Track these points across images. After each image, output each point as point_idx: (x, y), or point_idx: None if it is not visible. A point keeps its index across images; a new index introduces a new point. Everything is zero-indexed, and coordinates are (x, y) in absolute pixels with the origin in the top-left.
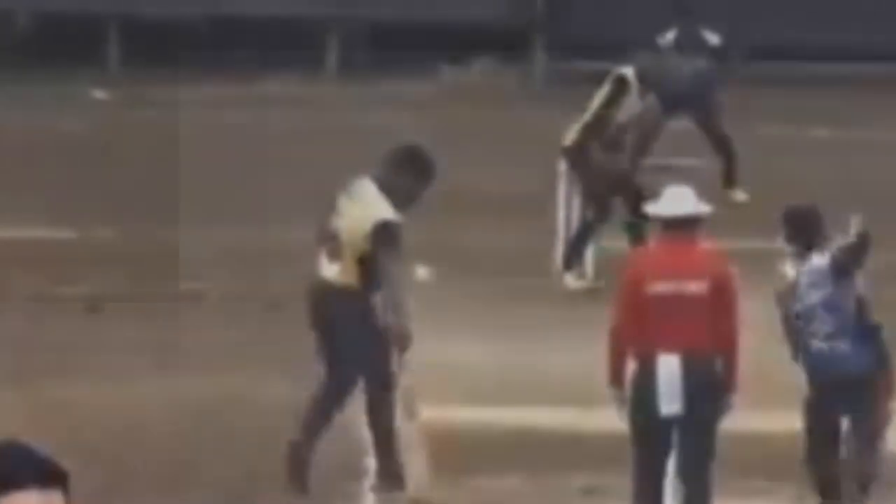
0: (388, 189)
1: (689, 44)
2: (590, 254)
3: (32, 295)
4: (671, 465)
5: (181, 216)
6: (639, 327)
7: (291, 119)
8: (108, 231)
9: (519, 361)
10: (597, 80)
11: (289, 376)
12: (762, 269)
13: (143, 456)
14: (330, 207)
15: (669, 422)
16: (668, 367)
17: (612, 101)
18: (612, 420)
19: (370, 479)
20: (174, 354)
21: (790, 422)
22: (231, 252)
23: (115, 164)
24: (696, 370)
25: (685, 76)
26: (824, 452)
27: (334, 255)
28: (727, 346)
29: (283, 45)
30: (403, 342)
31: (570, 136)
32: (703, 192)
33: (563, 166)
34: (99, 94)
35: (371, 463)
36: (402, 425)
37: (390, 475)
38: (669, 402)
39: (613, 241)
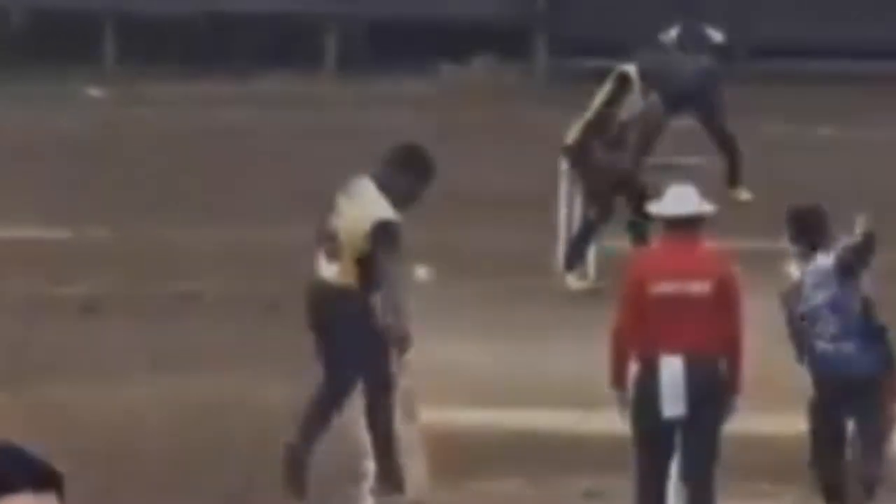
0: (387, 188)
1: (692, 41)
2: (592, 254)
3: (27, 295)
4: (674, 468)
5: (177, 215)
6: (641, 328)
7: (289, 118)
8: (104, 230)
9: (520, 363)
10: (599, 78)
11: (287, 378)
12: (766, 270)
13: (139, 457)
14: (328, 207)
15: (672, 424)
16: (672, 368)
17: (614, 100)
18: (614, 422)
19: (369, 482)
20: (170, 355)
21: (795, 424)
22: (228, 252)
23: (111, 163)
24: (699, 372)
25: (688, 74)
26: (830, 455)
27: (333, 255)
28: (731, 347)
29: (281, 43)
30: (403, 343)
31: (572, 134)
32: (707, 192)
33: (564, 165)
34: (94, 92)
35: (370, 466)
36: (402, 427)
37: (390, 478)
38: (672, 404)
39: (615, 240)
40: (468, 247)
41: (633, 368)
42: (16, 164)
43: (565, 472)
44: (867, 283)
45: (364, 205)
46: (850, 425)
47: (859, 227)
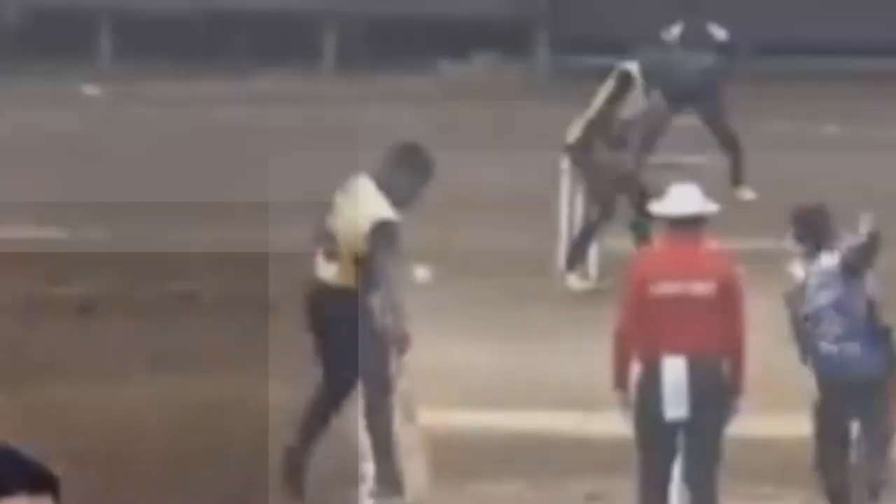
0: (386, 187)
1: (695, 39)
2: (593, 254)
3: (23, 295)
4: (677, 470)
5: (176, 215)
6: (644, 329)
7: (287, 116)
8: (100, 230)
9: (521, 364)
10: (600, 76)
11: (285, 379)
12: (770, 270)
13: (138, 457)
14: (327, 206)
15: (675, 426)
16: (674, 369)
17: (616, 98)
18: (616, 424)
19: (368, 484)
20: (169, 355)
21: (799, 426)
22: (226, 252)
23: (108, 162)
24: (702, 373)
25: (691, 72)
26: (834, 457)
27: (332, 255)
28: (734, 348)
29: (279, 40)
30: (402, 344)
31: (574, 133)
32: (710, 191)
33: (566, 164)
34: (90, 89)
35: (369, 468)
36: (401, 429)
37: (389, 480)
38: (675, 406)
39: (618, 240)
40: (468, 247)
41: (636, 370)
42: (10, 162)
43: (567, 475)
44: (872, 283)
45: (363, 204)
46: (855, 427)
47: (864, 227)
